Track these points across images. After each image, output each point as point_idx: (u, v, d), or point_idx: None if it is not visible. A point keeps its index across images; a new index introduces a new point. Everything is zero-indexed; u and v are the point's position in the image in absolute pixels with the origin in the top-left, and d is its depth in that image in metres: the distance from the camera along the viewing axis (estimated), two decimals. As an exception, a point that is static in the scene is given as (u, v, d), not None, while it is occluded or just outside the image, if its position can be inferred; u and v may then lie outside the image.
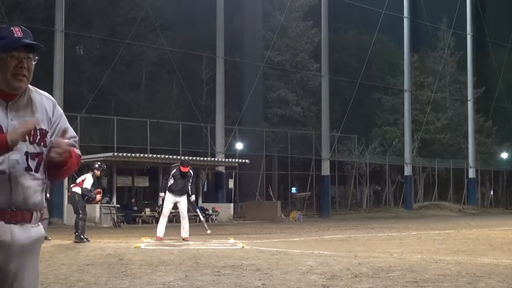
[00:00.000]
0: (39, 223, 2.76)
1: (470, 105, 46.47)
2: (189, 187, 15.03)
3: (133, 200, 26.94)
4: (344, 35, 46.76)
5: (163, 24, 33.71)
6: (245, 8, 38.17)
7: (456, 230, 19.79)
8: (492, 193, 51.02)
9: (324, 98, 35.23)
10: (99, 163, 15.55)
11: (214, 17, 31.29)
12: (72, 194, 14.81)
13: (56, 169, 2.75)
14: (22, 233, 2.66)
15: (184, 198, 14.95)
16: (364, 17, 39.35)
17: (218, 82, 31.48)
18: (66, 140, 2.71)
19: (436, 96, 45.92)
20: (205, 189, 31.75)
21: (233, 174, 32.50)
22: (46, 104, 2.81)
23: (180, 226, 15.12)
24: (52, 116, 2.81)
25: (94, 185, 14.78)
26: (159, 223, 15.00)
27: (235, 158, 31.06)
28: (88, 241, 14.12)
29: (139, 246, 12.88)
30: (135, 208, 25.93)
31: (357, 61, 40.94)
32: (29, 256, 2.71)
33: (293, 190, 40.95)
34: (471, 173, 45.33)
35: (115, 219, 23.16)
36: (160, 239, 14.57)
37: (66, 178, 15.73)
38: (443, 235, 17.33)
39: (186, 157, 20.11)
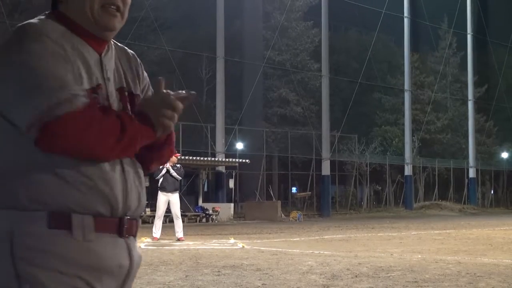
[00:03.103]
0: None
1: (470, 105, 46.45)
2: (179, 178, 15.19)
3: None
4: (344, 35, 46.75)
5: (163, 24, 33.68)
6: (245, 8, 38.15)
7: (457, 230, 19.77)
8: (492, 192, 50.99)
9: (324, 98, 35.22)
10: None
11: (214, 17, 31.28)
12: None
13: (149, 153, 1.83)
14: (135, 250, 1.86)
15: (177, 196, 15.04)
16: (364, 17, 39.33)
17: (218, 82, 31.49)
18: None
19: (436, 96, 45.92)
20: (205, 189, 31.74)
21: (233, 174, 32.49)
22: (133, 60, 1.97)
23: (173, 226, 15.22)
24: (142, 77, 1.97)
25: None
26: (154, 225, 15.06)
27: (235, 158, 31.06)
28: None
29: (139, 246, 12.86)
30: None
31: (357, 61, 40.93)
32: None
33: (293, 190, 40.91)
34: (472, 173, 45.31)
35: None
36: (157, 239, 14.64)
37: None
38: (444, 235, 17.31)
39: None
